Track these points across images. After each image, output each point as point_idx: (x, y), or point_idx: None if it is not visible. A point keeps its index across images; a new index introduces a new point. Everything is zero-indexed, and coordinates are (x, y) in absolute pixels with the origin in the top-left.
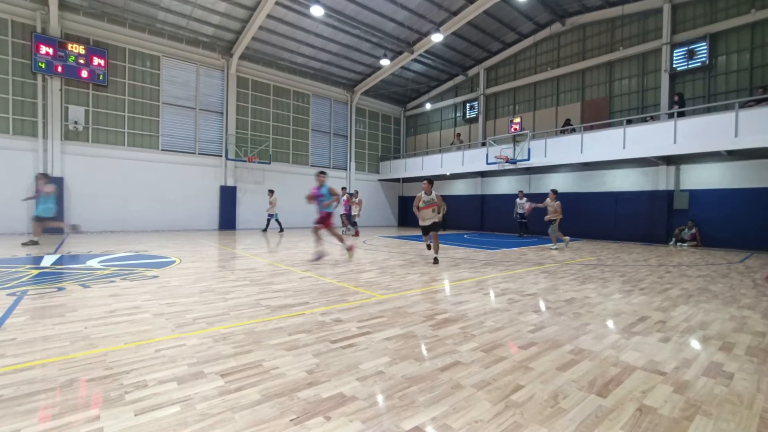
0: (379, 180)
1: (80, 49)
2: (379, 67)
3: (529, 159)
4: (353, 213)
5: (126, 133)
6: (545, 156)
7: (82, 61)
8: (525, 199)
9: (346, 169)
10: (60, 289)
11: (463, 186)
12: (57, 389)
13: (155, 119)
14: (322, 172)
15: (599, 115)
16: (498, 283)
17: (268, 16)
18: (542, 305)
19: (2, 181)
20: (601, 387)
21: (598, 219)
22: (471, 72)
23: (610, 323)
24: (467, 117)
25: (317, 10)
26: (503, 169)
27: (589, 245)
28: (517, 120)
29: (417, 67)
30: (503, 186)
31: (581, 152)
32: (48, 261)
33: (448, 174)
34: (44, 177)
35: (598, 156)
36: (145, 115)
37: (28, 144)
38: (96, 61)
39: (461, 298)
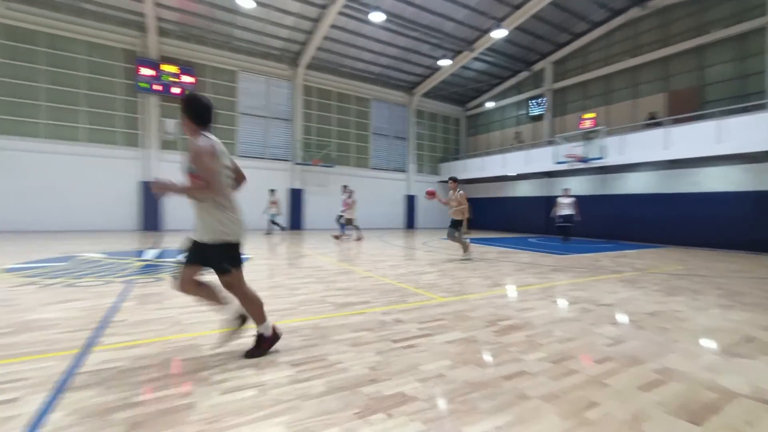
0: (438, 182)
1: (173, 69)
2: (439, 68)
3: (603, 157)
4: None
5: None
6: (623, 154)
7: (174, 79)
8: (572, 198)
9: (406, 171)
10: (158, 279)
11: (528, 187)
12: (157, 366)
13: (233, 128)
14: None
15: (688, 106)
16: (568, 291)
17: (331, 26)
18: (620, 317)
19: (114, 185)
20: (694, 413)
21: (686, 223)
22: (536, 67)
23: (704, 341)
24: (531, 114)
25: (377, 16)
26: (573, 169)
27: (675, 252)
28: (589, 115)
29: (477, 65)
30: (573, 186)
31: (665, 148)
32: (149, 255)
33: (513, 174)
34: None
35: (686, 152)
36: (225, 124)
37: (132, 153)
38: (186, 78)
39: (526, 304)
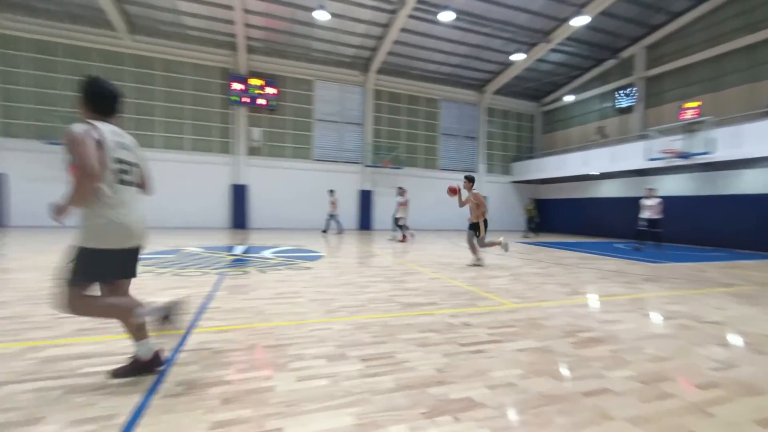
0: (511, 182)
1: (259, 82)
2: (511, 63)
3: (710, 152)
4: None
5: (290, 147)
6: (737, 147)
7: (260, 92)
8: (656, 200)
9: (476, 172)
10: (245, 272)
11: (613, 187)
12: (244, 350)
13: (310, 134)
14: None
15: None
16: (664, 304)
17: (401, 29)
18: (732, 338)
19: (209, 187)
20: None
21: None
22: (624, 54)
23: None
24: (618, 106)
25: (447, 16)
26: (670, 166)
27: None
28: (693, 104)
29: (555, 57)
30: (670, 186)
31: None
32: (238, 250)
33: (596, 173)
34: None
35: None
36: (302, 131)
37: (224, 159)
38: (270, 90)
39: (612, 316)
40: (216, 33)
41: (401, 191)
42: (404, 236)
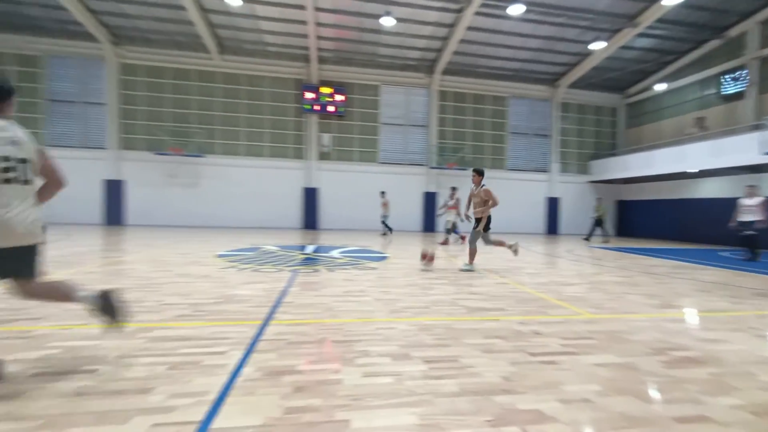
0: (588, 182)
1: (329, 90)
2: (589, 54)
3: None
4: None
5: (357, 151)
6: None
7: (330, 99)
8: (758, 199)
9: (548, 171)
10: (316, 270)
11: (716, 186)
12: (315, 343)
13: (376, 137)
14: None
15: None
16: None
17: (468, 27)
18: None
19: (285, 191)
20: None
21: None
22: (733, 32)
23: None
24: (724, 93)
25: (517, 9)
26: None
27: None
28: None
29: (642, 42)
30: None
31: None
32: (309, 249)
33: (694, 171)
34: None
35: None
36: (369, 134)
37: (298, 164)
38: (338, 97)
39: (713, 334)
40: (291, 47)
41: (452, 192)
42: (446, 239)
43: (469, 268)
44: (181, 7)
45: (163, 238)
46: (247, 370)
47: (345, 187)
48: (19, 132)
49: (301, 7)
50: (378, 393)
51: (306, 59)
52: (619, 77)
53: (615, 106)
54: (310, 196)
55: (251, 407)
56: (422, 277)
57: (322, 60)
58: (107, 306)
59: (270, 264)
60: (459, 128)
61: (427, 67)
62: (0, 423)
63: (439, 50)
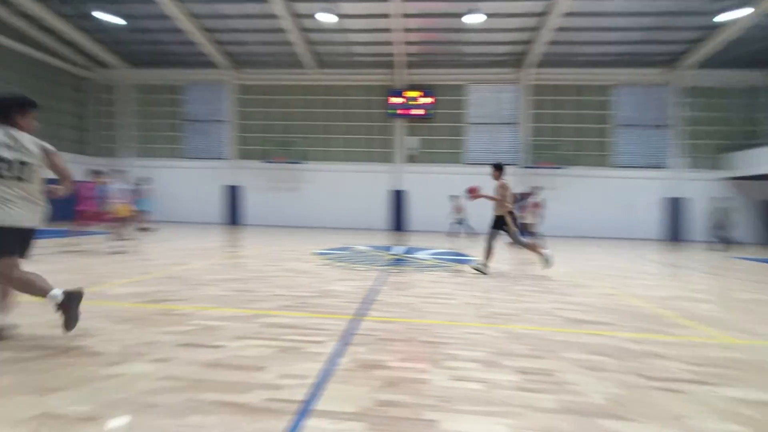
0: (722, 179)
1: (415, 94)
2: (721, 25)
3: None
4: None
5: (443, 153)
6: None
7: (417, 102)
8: None
9: (665, 168)
10: (404, 271)
11: None
12: (403, 341)
13: (463, 138)
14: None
15: None
16: None
17: (563, 14)
18: None
19: (373, 193)
20: None
21: None
22: None
23: None
24: None
25: None
26: None
27: None
28: None
29: None
30: None
31: None
32: (397, 250)
33: None
34: None
35: None
36: (455, 135)
37: (384, 168)
38: (426, 100)
39: None
40: (378, 55)
41: (532, 191)
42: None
43: (481, 268)
44: (285, 31)
45: (271, 237)
46: (342, 360)
47: (431, 188)
48: (24, 137)
49: (386, 16)
50: (467, 398)
51: (392, 65)
52: (762, 50)
53: (758, 85)
54: (397, 198)
55: (346, 395)
56: (514, 282)
57: (408, 65)
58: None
59: (361, 263)
60: (555, 123)
61: (516, 61)
62: (159, 380)
63: (529, 42)
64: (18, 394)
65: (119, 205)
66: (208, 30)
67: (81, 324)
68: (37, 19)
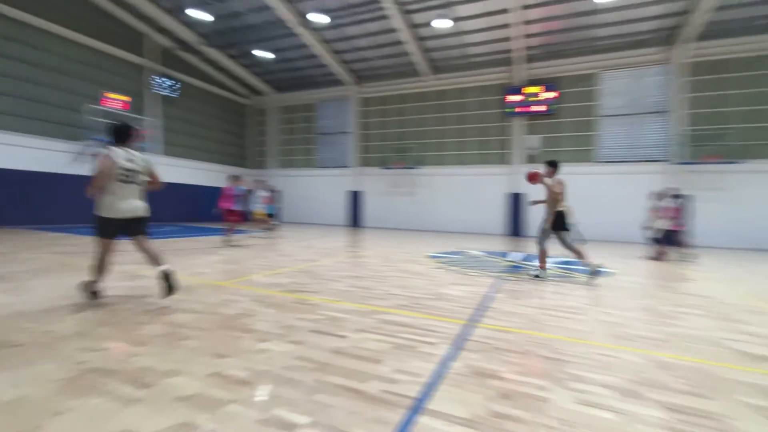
0: None
1: (536, 90)
2: None
3: None
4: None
5: (568, 151)
6: None
7: (538, 98)
8: None
9: None
10: (522, 279)
11: None
12: (520, 353)
13: (593, 134)
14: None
15: None
16: None
17: None
18: None
19: (487, 197)
20: None
21: None
22: None
23: None
24: None
25: None
26: None
27: None
28: None
29: None
30: None
31: None
32: (515, 256)
33: None
34: None
35: None
36: (584, 131)
37: (501, 170)
38: (548, 95)
39: None
40: (494, 54)
41: (669, 193)
42: (660, 252)
43: (539, 274)
44: (403, 42)
45: (388, 239)
46: (455, 365)
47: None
48: (136, 155)
49: (504, 11)
50: (597, 427)
51: (510, 62)
52: None
53: None
54: (515, 201)
55: (458, 399)
56: (663, 301)
57: (528, 59)
58: (166, 279)
59: (475, 268)
60: (718, 107)
61: (665, 37)
62: (294, 359)
63: (684, 13)
64: (201, 355)
65: (258, 209)
66: (336, 52)
67: (244, 305)
68: (215, 62)
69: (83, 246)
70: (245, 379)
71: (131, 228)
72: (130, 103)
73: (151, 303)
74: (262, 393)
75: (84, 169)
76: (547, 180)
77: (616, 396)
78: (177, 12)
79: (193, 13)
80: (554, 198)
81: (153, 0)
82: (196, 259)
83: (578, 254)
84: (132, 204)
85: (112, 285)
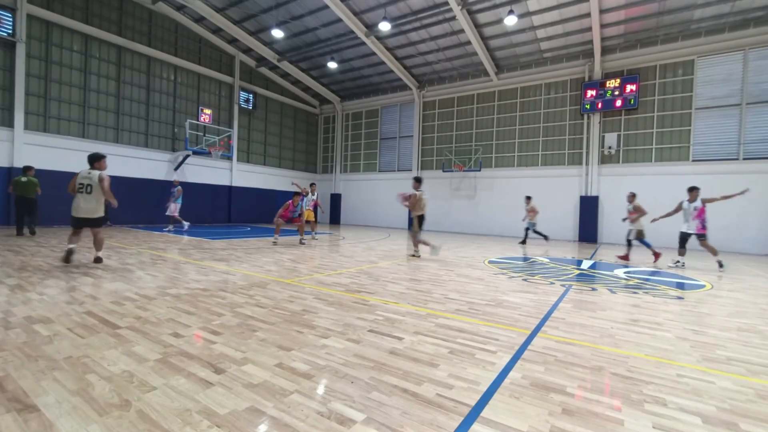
0: None
1: (615, 83)
2: None
3: None
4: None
5: (653, 149)
6: None
7: (616, 93)
8: None
9: None
10: (593, 289)
11: None
12: (588, 369)
13: (686, 129)
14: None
15: None
16: None
17: None
18: None
19: (558, 200)
20: None
21: None
22: None
23: None
24: None
25: None
26: None
27: None
28: None
29: None
30: None
31: None
32: (585, 264)
33: None
34: None
35: None
36: (674, 126)
37: (575, 171)
38: (628, 88)
39: None
40: (569, 47)
41: (696, 197)
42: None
43: (414, 254)
44: (467, 43)
45: (447, 243)
46: (514, 375)
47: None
48: (94, 173)
49: (580, 0)
50: None
51: (586, 55)
52: None
53: None
54: (588, 205)
55: (517, 411)
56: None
57: (606, 50)
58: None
59: (540, 275)
60: None
61: None
62: (352, 357)
63: None
64: (269, 346)
65: (308, 211)
66: (399, 58)
67: (307, 302)
68: (290, 75)
69: (175, 243)
70: (307, 371)
71: (84, 223)
72: (217, 116)
73: (227, 296)
74: (320, 387)
75: (177, 176)
76: (417, 191)
77: (705, 426)
78: (259, 33)
79: (273, 32)
80: (419, 204)
81: (239, 24)
82: (267, 257)
83: (425, 243)
84: (79, 206)
85: (195, 278)
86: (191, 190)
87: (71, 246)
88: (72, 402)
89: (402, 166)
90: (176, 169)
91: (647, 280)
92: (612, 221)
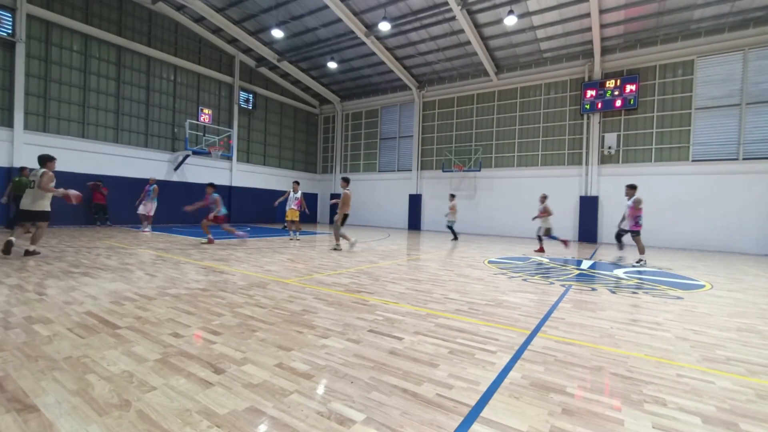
0: None
1: (615, 83)
2: None
3: None
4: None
5: (653, 150)
6: None
7: (616, 93)
8: None
9: None
10: (593, 289)
11: None
12: (588, 369)
13: (685, 129)
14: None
15: None
16: None
17: None
18: None
19: (559, 200)
20: None
21: None
22: None
23: None
24: None
25: None
26: None
27: None
28: None
29: None
30: None
31: None
32: (585, 264)
33: None
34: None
35: None
36: (673, 127)
37: (575, 171)
38: (628, 88)
39: None
40: (569, 47)
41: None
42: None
43: (336, 247)
44: (467, 43)
45: (447, 243)
46: (514, 375)
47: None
48: (39, 171)
49: (581, 0)
50: None
51: (586, 56)
52: None
53: None
54: (588, 205)
55: (517, 411)
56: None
57: (606, 51)
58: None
59: (540, 275)
60: None
61: None
62: (352, 357)
63: None
64: (269, 346)
65: (291, 210)
66: (398, 58)
67: (307, 302)
68: (290, 75)
69: (176, 243)
70: (307, 371)
71: (25, 216)
72: (216, 116)
73: (226, 296)
74: (320, 386)
75: (177, 176)
76: (345, 191)
77: (705, 426)
78: (259, 33)
79: (273, 32)
80: (346, 203)
81: (239, 24)
82: (267, 257)
83: (344, 237)
84: (23, 201)
85: (195, 278)
86: (191, 190)
87: (10, 238)
88: (72, 402)
89: (402, 166)
90: (176, 169)
91: (647, 279)
92: (612, 221)
